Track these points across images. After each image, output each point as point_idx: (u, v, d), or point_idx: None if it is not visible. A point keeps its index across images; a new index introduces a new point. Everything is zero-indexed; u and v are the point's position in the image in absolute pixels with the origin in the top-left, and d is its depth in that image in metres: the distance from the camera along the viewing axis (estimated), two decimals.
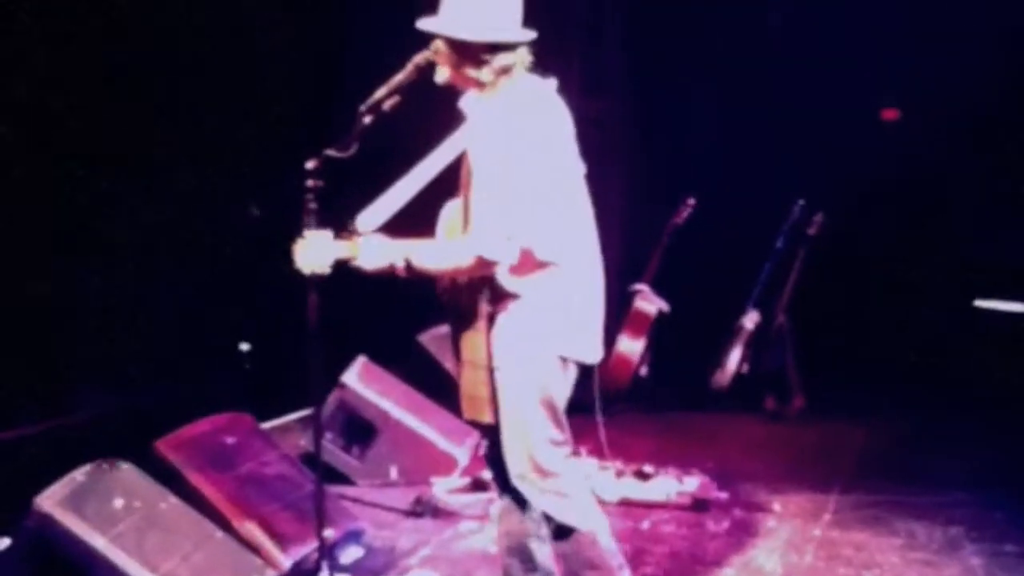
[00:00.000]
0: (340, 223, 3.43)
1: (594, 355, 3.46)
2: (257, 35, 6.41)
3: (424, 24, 3.35)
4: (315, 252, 3.37)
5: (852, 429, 6.19)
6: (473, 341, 3.37)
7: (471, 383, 3.40)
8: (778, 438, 6.14)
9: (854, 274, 7.47)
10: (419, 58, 3.45)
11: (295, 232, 3.48)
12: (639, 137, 7.71)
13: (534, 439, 3.35)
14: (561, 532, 3.42)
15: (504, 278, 3.30)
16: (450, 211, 3.49)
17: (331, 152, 3.47)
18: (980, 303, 7.49)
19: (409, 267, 3.33)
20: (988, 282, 7.38)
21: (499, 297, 3.32)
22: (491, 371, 3.35)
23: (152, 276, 6.00)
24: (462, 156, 3.45)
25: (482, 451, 3.68)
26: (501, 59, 3.32)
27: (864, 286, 7.51)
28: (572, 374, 3.42)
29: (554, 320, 3.33)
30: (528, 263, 3.29)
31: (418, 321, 6.28)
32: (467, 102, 3.45)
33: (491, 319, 3.34)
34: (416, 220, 3.53)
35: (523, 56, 3.37)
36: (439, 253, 3.38)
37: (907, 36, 7.21)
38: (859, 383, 6.84)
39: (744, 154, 7.42)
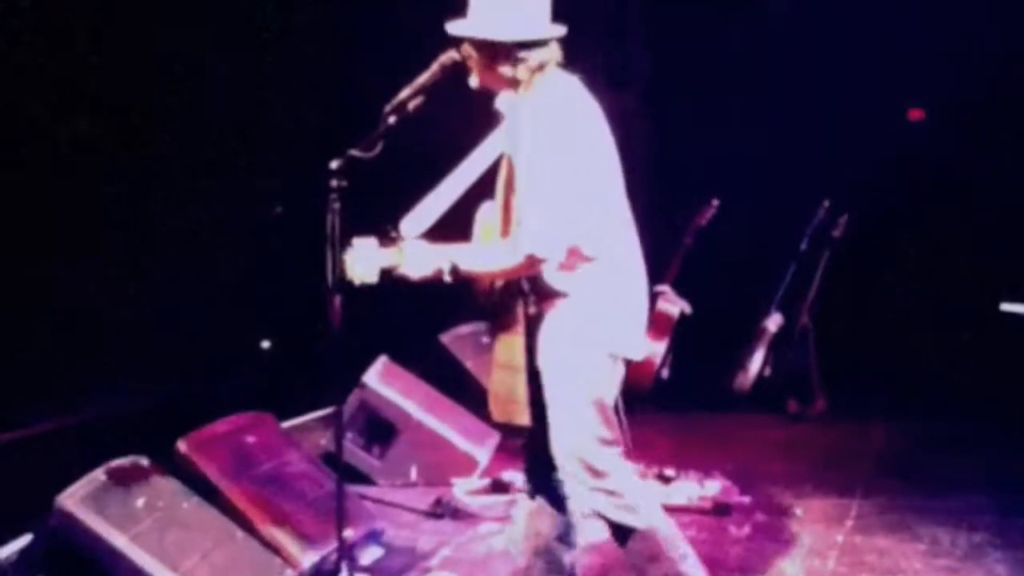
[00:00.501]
0: (382, 229, 3.39)
1: (641, 351, 3.43)
2: (279, 32, 6.41)
3: (453, 28, 3.34)
4: (363, 262, 3.31)
5: (874, 432, 6.15)
6: (510, 344, 3.35)
7: (505, 386, 3.37)
8: (800, 441, 6.10)
9: (878, 276, 7.41)
10: (444, 58, 3.43)
11: (320, 233, 3.47)
12: (662, 136, 7.68)
13: (585, 439, 3.32)
14: (619, 531, 3.39)
15: (552, 276, 3.28)
16: (486, 213, 3.48)
17: (355, 152, 3.46)
18: (1006, 306, 7.42)
19: (455, 272, 3.31)
20: (1014, 285, 7.31)
21: (546, 296, 3.31)
22: (529, 373, 3.32)
23: (174, 273, 6.02)
24: (499, 158, 3.43)
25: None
26: (536, 56, 3.31)
27: (888, 288, 7.45)
28: (619, 371, 3.40)
29: (603, 317, 3.31)
30: (575, 260, 3.27)
31: (440, 321, 6.29)
32: (503, 102, 3.43)
33: (538, 319, 3.32)
34: (448, 224, 3.51)
35: (555, 52, 3.36)
36: (487, 255, 3.37)
37: (935, 36, 7.14)
38: (882, 386, 6.78)
39: (769, 155, 7.36)
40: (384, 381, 5.39)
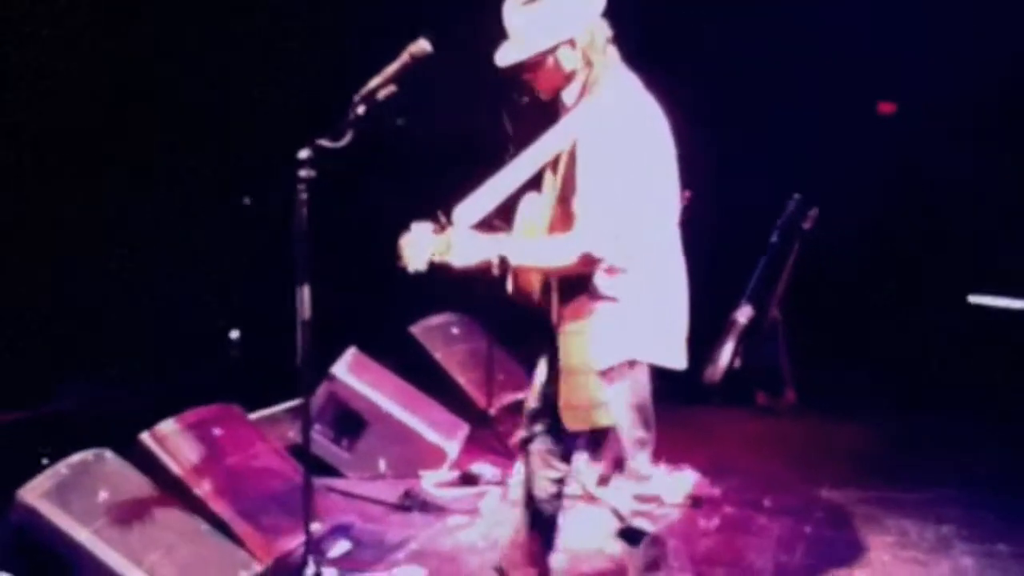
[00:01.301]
0: (433, 216, 3.25)
1: (682, 361, 3.38)
2: (255, 26, 6.36)
3: (504, 59, 3.24)
4: (415, 247, 3.20)
5: (844, 425, 6.17)
6: (576, 346, 3.25)
7: (577, 391, 3.26)
8: (770, 433, 6.12)
9: (848, 269, 7.43)
10: (414, 47, 3.40)
11: (289, 222, 3.41)
12: None
13: (624, 443, 3.31)
14: (629, 533, 3.38)
15: (600, 280, 3.22)
16: (530, 206, 3.39)
17: (323, 142, 3.42)
18: (975, 299, 7.46)
19: (504, 264, 3.21)
20: (983, 278, 7.36)
21: (592, 299, 3.24)
22: (599, 374, 3.25)
23: (140, 263, 5.96)
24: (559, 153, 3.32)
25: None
26: (585, 41, 3.25)
27: (858, 281, 7.47)
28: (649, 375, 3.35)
29: (647, 325, 3.27)
30: (623, 263, 3.21)
31: (411, 312, 6.24)
32: (569, 94, 3.33)
33: (584, 322, 3.25)
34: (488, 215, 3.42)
35: (604, 27, 3.32)
36: (540, 249, 3.29)
37: (905, 28, 7.16)
38: (851, 379, 6.80)
39: (739, 147, 7.36)
40: (353, 372, 5.35)
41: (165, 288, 6.07)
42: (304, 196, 3.46)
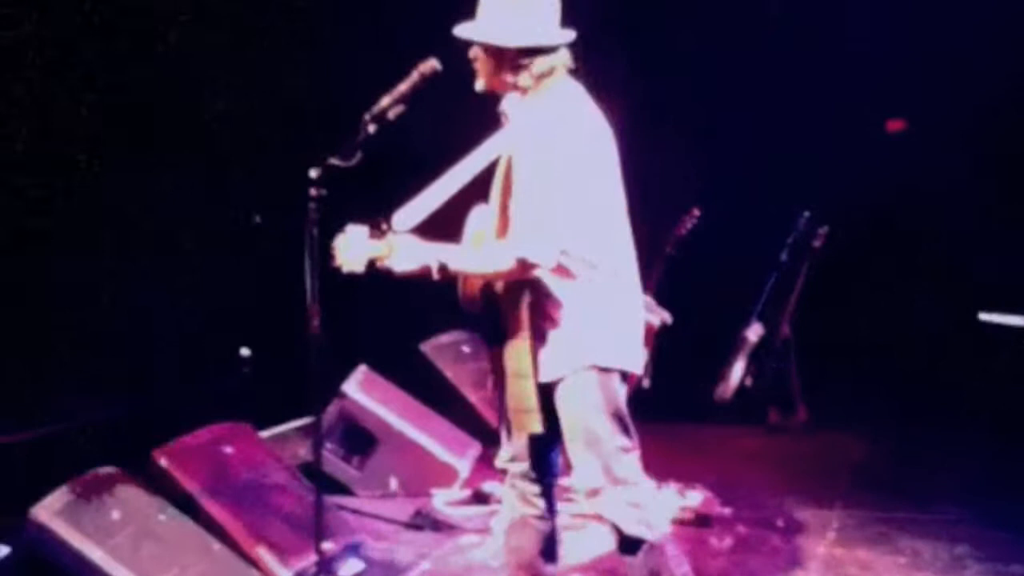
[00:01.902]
0: (374, 221, 3.34)
1: (640, 364, 3.40)
2: (264, 41, 6.38)
3: (461, 31, 3.31)
4: (352, 250, 3.28)
5: (855, 443, 6.15)
6: (518, 351, 3.28)
7: (516, 395, 3.29)
8: (781, 451, 6.10)
9: (858, 287, 7.42)
10: (424, 66, 3.41)
11: (300, 240, 3.43)
12: (643, 146, 7.66)
13: (608, 450, 3.29)
14: (627, 544, 3.36)
15: (554, 285, 3.24)
16: (479, 217, 3.44)
17: (335, 161, 3.43)
18: (985, 316, 7.44)
19: (444, 270, 3.26)
20: (993, 296, 7.34)
21: (544, 306, 3.26)
22: (537, 381, 3.26)
23: (152, 279, 5.96)
24: (496, 160, 3.39)
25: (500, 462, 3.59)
26: (540, 63, 3.28)
27: (868, 299, 7.46)
28: (620, 385, 3.34)
29: (607, 330, 3.27)
30: (573, 268, 3.24)
31: (420, 330, 6.25)
32: (509, 104, 3.39)
33: (538, 330, 3.27)
34: (441, 223, 3.47)
35: (564, 58, 3.33)
36: (478, 256, 3.33)
37: (915, 46, 7.17)
38: (863, 396, 6.79)
39: (749, 165, 7.37)
40: (364, 390, 5.35)
41: (176, 306, 6.08)
42: (315, 214, 3.47)
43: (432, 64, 3.40)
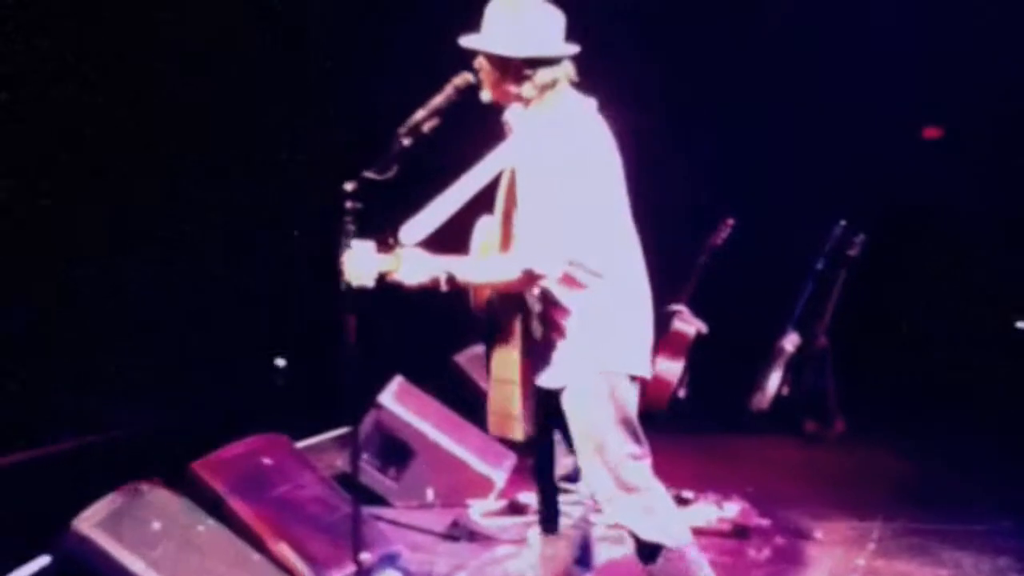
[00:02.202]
0: (381, 235, 3.40)
1: (648, 369, 3.42)
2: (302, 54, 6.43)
3: (465, 41, 3.35)
4: (359, 264, 3.34)
5: (894, 453, 6.09)
6: (506, 358, 3.34)
7: (500, 400, 3.37)
8: (819, 462, 6.05)
9: (895, 296, 7.36)
10: (458, 80, 3.43)
11: (335, 250, 3.46)
12: (678, 155, 7.65)
13: (616, 458, 3.30)
14: (645, 550, 3.36)
15: (560, 294, 3.27)
16: (485, 228, 3.47)
17: (370, 174, 3.45)
18: (1023, 325, 7.37)
19: (452, 281, 3.31)
20: None
21: (552, 315, 3.29)
22: (524, 388, 3.31)
23: (189, 292, 6.02)
24: (501, 171, 3.42)
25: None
26: (543, 74, 3.30)
27: (905, 308, 7.40)
28: (636, 387, 3.37)
29: (610, 335, 3.30)
30: (580, 279, 3.27)
31: (454, 341, 6.26)
32: (512, 116, 3.43)
33: (547, 340, 3.30)
34: (447, 235, 3.50)
35: (568, 70, 3.36)
36: (484, 268, 3.36)
37: (952, 52, 7.11)
38: (901, 406, 6.73)
39: (785, 174, 7.34)
40: (399, 401, 5.36)
41: (213, 317, 6.13)
42: (351, 227, 3.48)
43: (466, 77, 3.42)
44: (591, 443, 3.31)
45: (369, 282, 3.34)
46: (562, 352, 3.31)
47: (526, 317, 3.32)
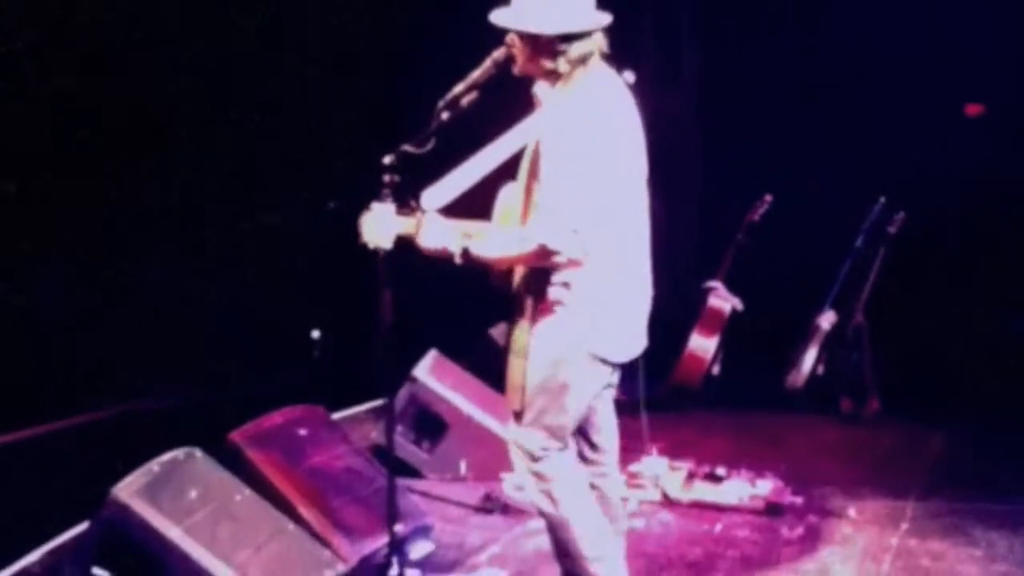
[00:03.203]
0: (403, 199, 3.45)
1: (623, 356, 3.44)
2: (333, 28, 6.44)
3: (496, 18, 3.35)
4: (378, 226, 3.40)
5: (929, 433, 6.05)
6: (519, 331, 3.37)
7: (512, 372, 3.41)
8: (853, 441, 6.02)
9: (935, 275, 7.28)
10: (497, 54, 3.43)
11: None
12: (716, 132, 7.61)
13: (534, 421, 3.38)
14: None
15: (554, 270, 3.29)
16: (507, 195, 3.48)
17: (408, 148, 3.46)
18: None
19: (466, 253, 3.34)
20: None
21: (542, 289, 3.31)
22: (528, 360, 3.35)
23: (228, 265, 6.07)
24: (526, 144, 3.43)
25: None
26: (576, 48, 3.29)
27: (945, 287, 7.32)
28: (602, 373, 3.40)
29: (589, 314, 3.31)
30: (579, 257, 3.27)
31: (489, 314, 6.27)
32: (541, 89, 3.41)
33: (536, 311, 3.33)
34: (472, 203, 3.52)
35: (599, 42, 3.34)
36: (501, 240, 3.37)
37: (995, 31, 7.00)
38: (937, 386, 6.67)
39: (824, 150, 7.27)
40: (434, 375, 5.39)
41: (250, 289, 6.18)
42: (388, 200, 3.50)
43: (505, 51, 3.41)
44: (528, 405, 3.37)
45: (387, 244, 3.41)
46: (541, 324, 3.32)
47: (536, 289, 3.32)
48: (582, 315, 3.31)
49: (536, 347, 3.34)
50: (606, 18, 3.34)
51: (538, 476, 3.43)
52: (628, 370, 3.64)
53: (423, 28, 6.69)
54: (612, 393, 3.62)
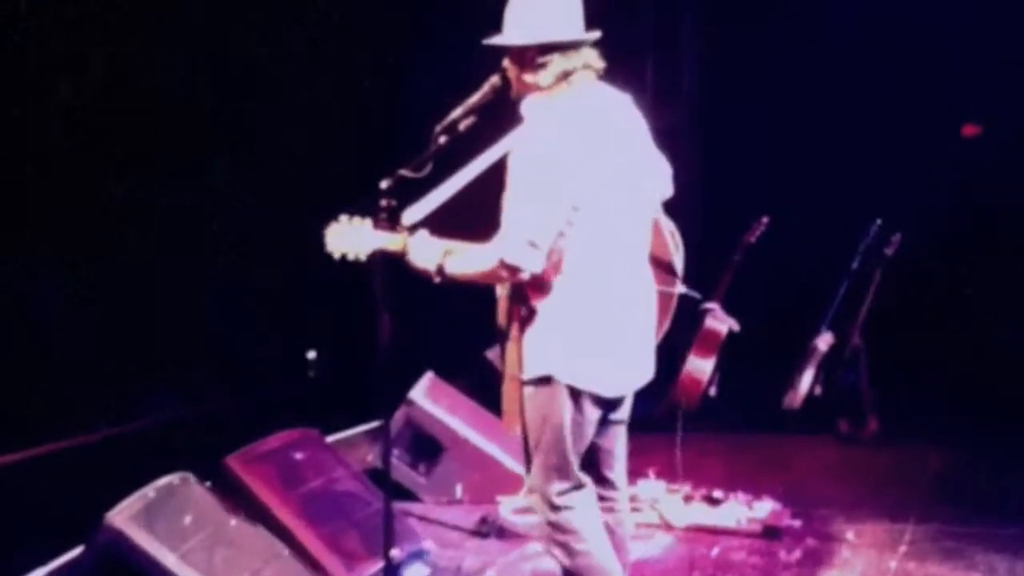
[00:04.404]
0: (377, 211, 3.45)
1: (614, 389, 3.36)
2: (327, 56, 6.46)
3: (487, 41, 3.34)
4: (351, 239, 3.42)
5: (928, 454, 6.03)
6: (510, 353, 3.34)
7: (505, 396, 3.38)
8: (852, 462, 6.00)
9: (931, 295, 7.28)
10: (495, 78, 3.43)
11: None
12: (712, 152, 7.62)
13: (535, 462, 3.36)
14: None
15: (530, 291, 3.26)
16: None
17: (405, 172, 3.46)
18: None
19: (441, 273, 3.33)
20: None
21: (519, 313, 3.28)
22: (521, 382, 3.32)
23: (221, 284, 6.05)
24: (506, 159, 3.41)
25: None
26: (560, 62, 3.26)
27: (941, 307, 7.32)
28: (589, 406, 3.32)
29: (562, 345, 3.26)
30: (551, 278, 3.23)
31: (486, 337, 6.25)
32: (526, 105, 3.39)
33: (520, 335, 3.30)
34: (459, 219, 3.51)
35: (589, 59, 3.30)
36: (468, 258, 3.34)
37: (991, 53, 7.02)
38: (935, 407, 6.66)
39: (820, 172, 7.28)
40: (430, 397, 5.37)
41: (245, 309, 6.16)
42: (384, 224, 3.49)
43: (502, 76, 3.41)
44: (531, 437, 3.34)
45: (360, 256, 3.44)
46: (526, 346, 3.28)
47: (520, 311, 3.29)
48: (555, 344, 3.25)
49: (525, 375, 3.30)
50: (593, 34, 3.31)
51: (556, 527, 3.38)
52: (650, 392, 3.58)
53: (425, 50, 6.71)
54: (620, 428, 3.54)
